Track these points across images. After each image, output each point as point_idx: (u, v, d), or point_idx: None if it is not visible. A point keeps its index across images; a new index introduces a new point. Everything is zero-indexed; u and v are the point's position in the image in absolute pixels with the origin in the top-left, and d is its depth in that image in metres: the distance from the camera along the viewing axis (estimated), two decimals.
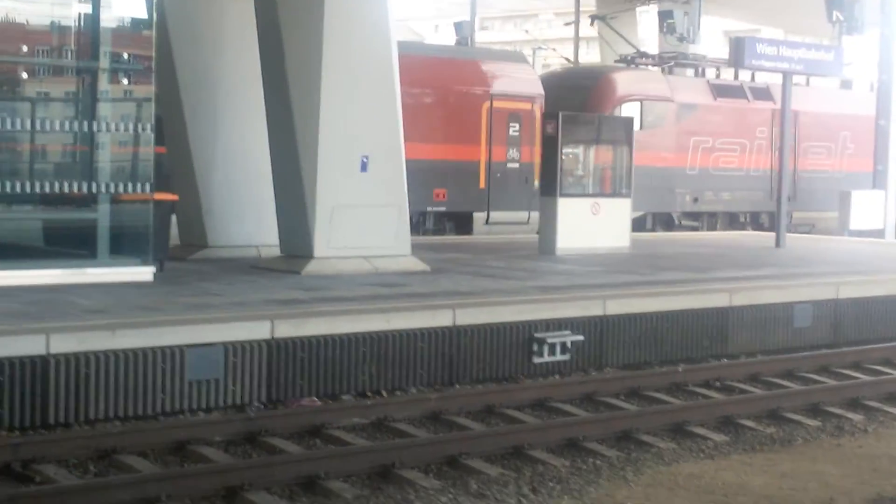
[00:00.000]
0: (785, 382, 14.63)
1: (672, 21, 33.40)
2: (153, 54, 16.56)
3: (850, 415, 13.22)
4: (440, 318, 13.49)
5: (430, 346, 13.29)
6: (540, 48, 59.85)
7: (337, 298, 14.32)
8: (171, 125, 19.55)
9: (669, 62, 31.71)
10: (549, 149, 21.24)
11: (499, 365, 13.87)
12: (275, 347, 12.24)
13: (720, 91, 31.57)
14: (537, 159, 26.18)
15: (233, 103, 19.18)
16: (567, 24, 54.98)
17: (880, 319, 17.62)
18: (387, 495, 9.59)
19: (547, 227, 21.25)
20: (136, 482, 9.16)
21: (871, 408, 13.59)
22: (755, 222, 32.82)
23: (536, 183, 25.76)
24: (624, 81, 30.27)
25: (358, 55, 17.20)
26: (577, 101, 28.55)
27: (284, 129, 17.18)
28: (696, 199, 31.13)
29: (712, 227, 31.63)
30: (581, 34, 44.90)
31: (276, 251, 17.95)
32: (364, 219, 17.32)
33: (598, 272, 18.33)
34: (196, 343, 11.78)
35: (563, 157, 21.29)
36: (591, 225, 21.40)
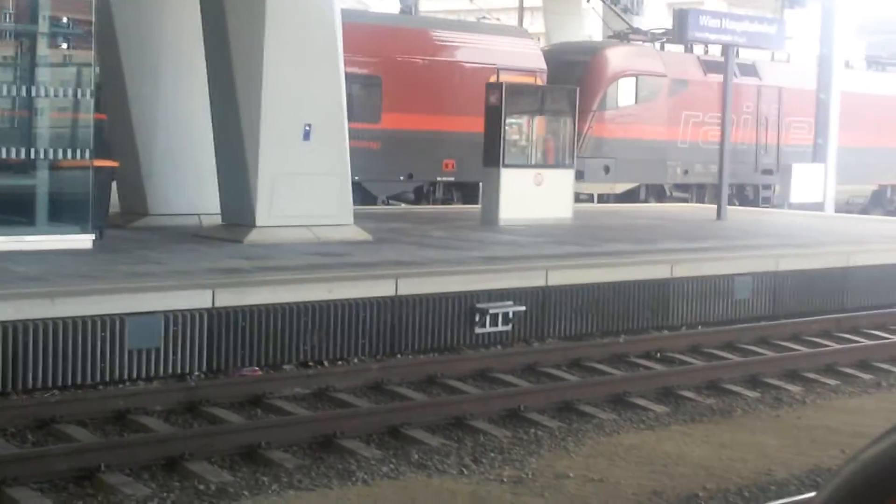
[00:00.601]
0: (725, 354, 14.74)
1: None
2: (93, 18, 16.36)
3: (788, 386, 13.34)
4: (382, 288, 13.46)
5: (372, 316, 13.27)
6: (484, 18, 59.68)
7: (279, 268, 14.25)
8: (111, 91, 19.34)
9: (662, 38, 32.36)
10: (493, 119, 21.20)
11: (441, 335, 13.88)
12: (216, 317, 12.17)
13: (710, 67, 32.03)
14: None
15: (175, 69, 19.00)
16: None
17: (819, 292, 17.78)
18: (328, 465, 9.57)
19: (490, 198, 21.25)
20: (75, 452, 9.09)
21: (809, 379, 13.72)
22: (740, 195, 33.31)
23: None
24: (620, 57, 30.78)
25: (301, 22, 17.08)
26: (575, 75, 29.01)
27: (226, 97, 17.04)
28: (686, 172, 31.83)
29: (700, 199, 32.30)
30: (526, 3, 44.85)
31: (218, 220, 17.84)
32: (306, 188, 17.25)
33: (540, 243, 18.36)
34: (136, 312, 11.69)
35: (507, 127, 21.26)
36: (534, 196, 21.41)
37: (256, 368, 12.42)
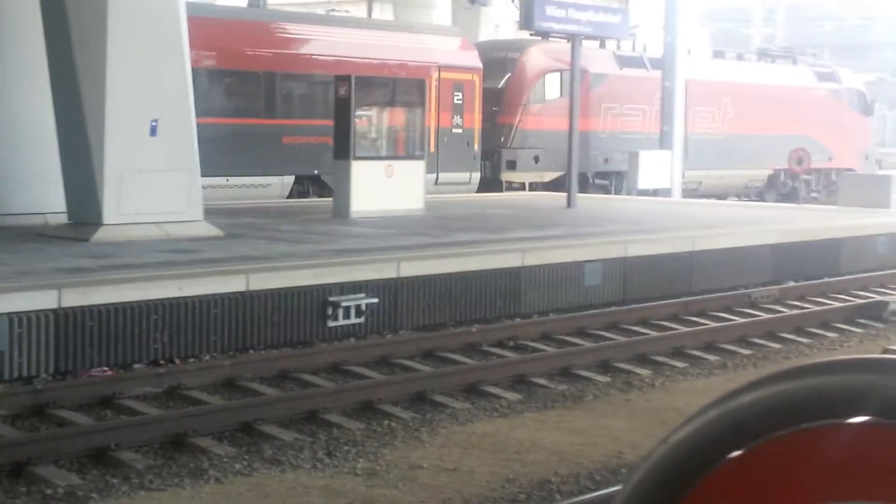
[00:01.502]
0: (576, 340, 14.93)
1: None
2: None
3: (638, 370, 13.56)
4: (233, 284, 13.35)
5: (223, 313, 13.15)
6: (333, 10, 59.47)
7: (127, 266, 14.04)
8: None
9: (610, 38, 32.82)
10: (342, 112, 21.13)
11: (294, 329, 13.81)
12: (62, 317, 11.94)
13: (624, 62, 33.88)
14: (478, 125, 29.74)
15: (17, 64, 18.57)
16: None
17: (667, 276, 18.11)
18: (180, 464, 9.48)
19: (341, 191, 21.18)
20: None
21: (658, 362, 13.97)
22: None
23: (476, 146, 29.67)
24: (546, 54, 31.88)
25: (145, 16, 16.84)
26: (505, 71, 31.07)
27: (69, 92, 16.72)
28: (606, 160, 33.36)
29: (619, 187, 33.75)
30: None
31: (65, 219, 17.49)
32: (155, 184, 17.00)
33: (392, 234, 18.38)
34: None
35: (357, 119, 21.23)
36: (386, 188, 21.41)
37: (106, 369, 12.22)
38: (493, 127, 30.80)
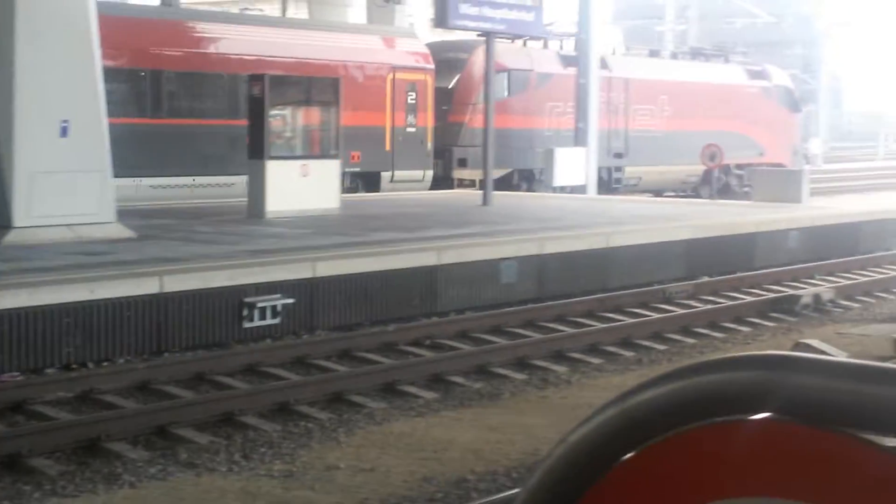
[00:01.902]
0: (493, 338, 14.94)
1: None
2: None
3: (554, 367, 13.62)
4: (147, 286, 13.22)
5: (137, 315, 13.01)
6: (247, 8, 59.13)
7: (38, 269, 13.84)
8: None
9: (524, 36, 33.72)
10: (256, 111, 20.98)
11: (209, 331, 13.70)
12: None
13: (567, 61, 34.31)
14: (430, 124, 30.77)
15: None
16: None
17: (582, 273, 18.19)
18: (93, 470, 9.37)
19: (255, 191, 21.03)
20: None
21: (573, 359, 14.04)
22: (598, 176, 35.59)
23: (429, 145, 30.69)
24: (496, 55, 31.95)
25: (54, 17, 16.61)
26: (455, 71, 32.08)
27: None
28: None
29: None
30: None
31: None
32: (66, 186, 16.78)
33: (308, 234, 18.30)
34: None
35: (271, 118, 21.10)
36: (301, 187, 21.30)
37: (17, 374, 12.03)
38: (444, 126, 31.53)
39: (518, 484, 9.06)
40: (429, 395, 12.12)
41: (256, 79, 21.35)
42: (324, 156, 22.06)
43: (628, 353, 14.58)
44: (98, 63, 17.21)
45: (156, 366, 12.46)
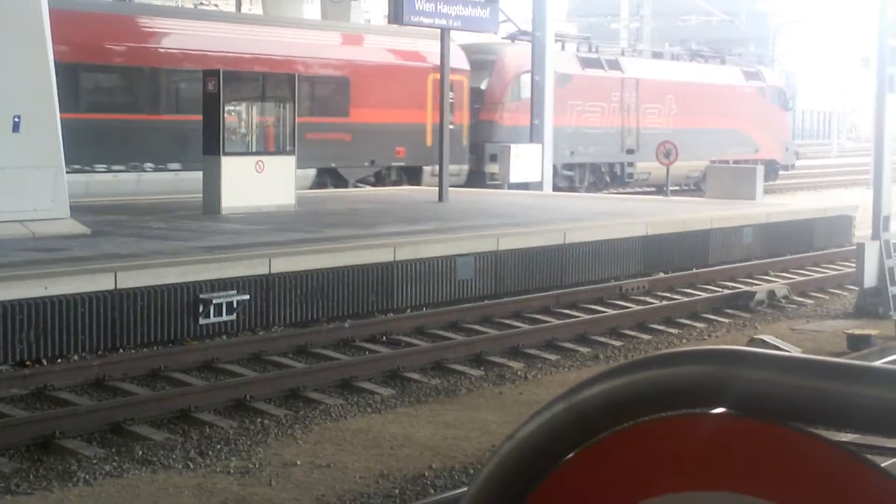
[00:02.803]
0: (449, 334, 14.96)
1: None
2: None
3: (510, 363, 13.65)
4: (101, 282, 13.14)
5: (91, 312, 12.93)
6: (202, 4, 58.92)
7: None
8: None
9: (479, 31, 35.26)
10: (211, 107, 20.87)
11: (164, 327, 13.64)
12: None
13: (585, 63, 37.32)
14: (466, 122, 33.03)
15: None
16: None
17: (538, 269, 18.22)
18: (47, 467, 9.31)
19: (211, 187, 20.93)
20: None
21: (530, 355, 14.07)
22: (611, 172, 38.36)
23: (465, 141, 32.93)
24: (520, 56, 34.60)
25: (5, 10, 16.48)
26: (485, 72, 34.67)
27: None
28: (572, 153, 36.55)
29: (582, 178, 37.08)
30: None
31: None
32: (18, 181, 16.65)
33: (263, 230, 18.24)
34: None
35: (226, 114, 21.01)
36: (256, 183, 21.24)
37: None
38: (477, 123, 33.76)
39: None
40: (385, 391, 12.12)
41: (211, 74, 21.24)
42: (279, 152, 21.98)
43: (584, 350, 14.63)
44: (50, 58, 17.08)
45: (111, 362, 12.40)
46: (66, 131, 17.83)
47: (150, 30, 27.13)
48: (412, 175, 32.31)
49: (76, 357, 12.79)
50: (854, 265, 18.47)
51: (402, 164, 31.78)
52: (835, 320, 17.25)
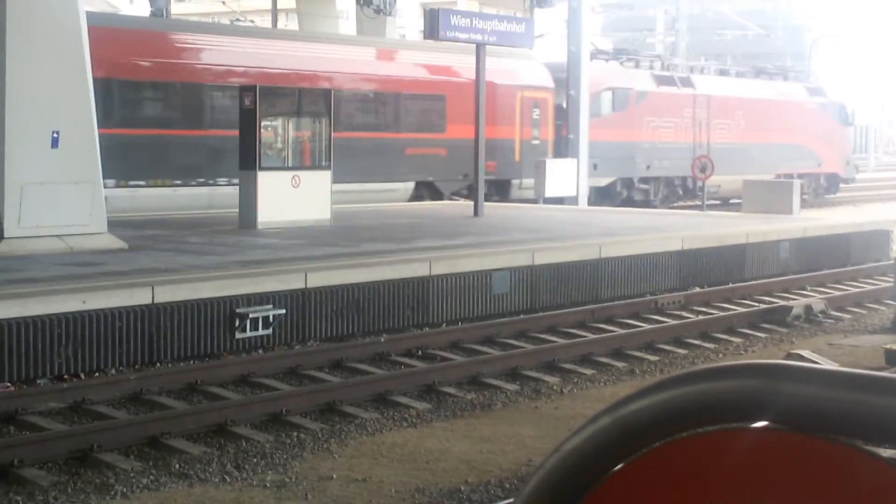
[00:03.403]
0: (485, 349, 14.95)
1: None
2: None
3: (546, 377, 13.62)
4: (139, 297, 13.21)
5: (129, 326, 13.00)
6: (238, 19, 59.19)
7: (29, 280, 13.84)
8: None
9: (622, 57, 39.72)
10: (247, 122, 20.98)
11: (201, 342, 13.69)
12: None
13: (660, 80, 38.97)
14: (550, 138, 34.73)
15: None
16: None
17: (573, 284, 18.20)
18: (85, 480, 9.36)
19: (247, 202, 21.03)
20: None
21: (565, 370, 14.04)
22: (683, 185, 39.82)
23: (550, 156, 33.90)
24: (600, 74, 36.58)
25: (45, 27, 16.62)
26: (565, 90, 34.93)
27: None
28: (648, 167, 38.15)
29: (657, 191, 38.74)
30: (280, 5, 44.63)
31: None
32: (57, 196, 16.78)
33: (299, 245, 18.30)
34: None
35: (262, 129, 21.11)
36: (292, 198, 21.32)
37: (8, 384, 12.02)
38: (559, 139, 34.83)
39: (510, 494, 9.07)
40: (421, 405, 12.12)
41: (248, 90, 21.37)
42: (314, 167, 22.07)
43: (620, 364, 14.60)
44: (89, 73, 17.21)
45: (148, 376, 12.46)
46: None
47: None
48: (501, 188, 33.86)
49: (114, 371, 12.85)
50: (891, 280, 18.36)
51: (493, 177, 32.68)
52: (872, 335, 17.14)
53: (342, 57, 30.10)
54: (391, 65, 31.34)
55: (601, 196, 35.67)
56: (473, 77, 30.55)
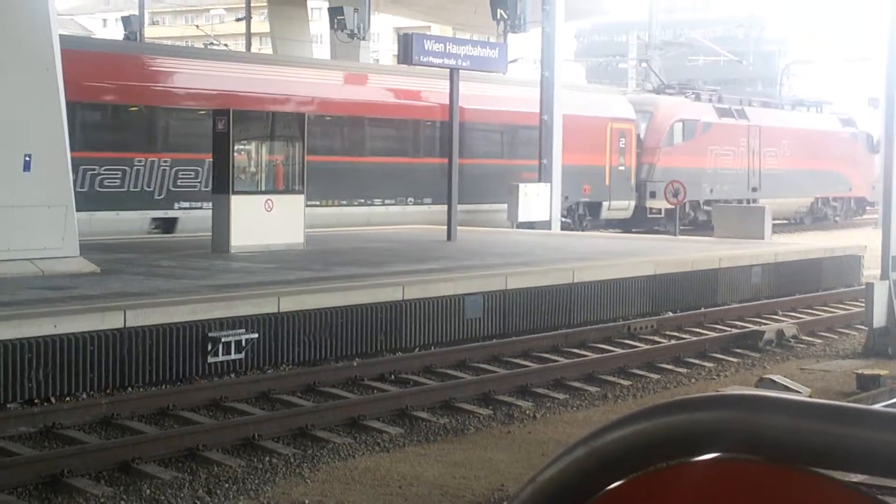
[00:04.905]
0: (458, 373, 14.94)
1: (342, 17, 33.52)
2: None
3: (519, 402, 13.62)
4: (110, 321, 13.15)
5: (100, 350, 12.93)
6: (212, 43, 59.22)
7: (0, 303, 13.75)
8: None
9: (686, 91, 44.22)
10: (221, 146, 20.96)
11: (173, 366, 13.64)
12: None
13: (721, 112, 43.61)
14: (633, 164, 39.78)
15: None
16: (238, 19, 54.42)
17: (546, 308, 18.21)
18: None
19: (220, 225, 20.98)
20: None
21: (538, 394, 14.05)
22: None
23: (633, 181, 39.59)
24: (673, 107, 42.09)
25: (16, 50, 16.58)
26: (645, 121, 40.76)
27: None
28: (711, 190, 42.34)
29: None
30: (254, 29, 44.71)
31: None
32: (29, 220, 16.70)
33: (272, 269, 18.27)
34: None
35: (236, 153, 21.08)
36: (266, 222, 21.30)
37: None
38: (639, 165, 40.05)
39: None
40: (394, 430, 12.10)
41: (221, 114, 21.34)
42: (288, 191, 22.04)
43: (593, 389, 14.61)
44: (62, 96, 17.16)
45: (119, 401, 12.39)
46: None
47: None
48: (593, 209, 38.53)
49: (84, 395, 12.78)
50: (863, 305, 18.45)
51: (588, 199, 37.88)
52: (844, 360, 17.21)
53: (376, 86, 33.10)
54: (499, 100, 34.73)
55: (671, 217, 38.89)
56: (573, 111, 33.45)
